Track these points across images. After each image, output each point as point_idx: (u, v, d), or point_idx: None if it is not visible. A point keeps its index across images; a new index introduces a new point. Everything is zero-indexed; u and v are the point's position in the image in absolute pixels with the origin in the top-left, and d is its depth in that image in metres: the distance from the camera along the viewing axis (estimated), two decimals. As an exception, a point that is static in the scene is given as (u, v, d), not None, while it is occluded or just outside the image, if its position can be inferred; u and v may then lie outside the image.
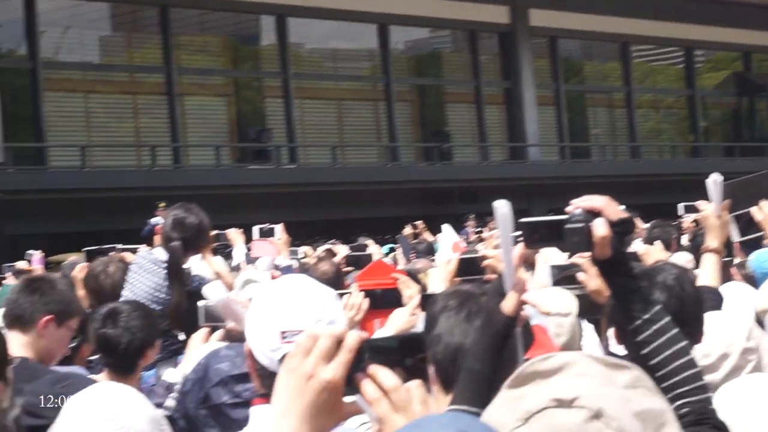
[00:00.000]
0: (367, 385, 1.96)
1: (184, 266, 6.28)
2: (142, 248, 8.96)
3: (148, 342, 4.80)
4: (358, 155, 30.09)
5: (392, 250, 14.78)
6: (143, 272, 6.26)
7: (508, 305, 2.88)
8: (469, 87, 32.72)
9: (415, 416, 1.92)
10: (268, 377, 2.73)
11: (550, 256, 6.50)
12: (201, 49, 28.17)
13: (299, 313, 2.82)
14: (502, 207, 2.84)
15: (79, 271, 7.09)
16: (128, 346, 4.73)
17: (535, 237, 2.92)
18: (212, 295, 4.87)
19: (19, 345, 4.40)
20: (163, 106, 26.60)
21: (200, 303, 5.23)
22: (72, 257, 12.12)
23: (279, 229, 8.54)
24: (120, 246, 9.24)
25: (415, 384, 1.98)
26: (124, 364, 4.72)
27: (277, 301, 2.87)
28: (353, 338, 1.99)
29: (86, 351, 5.14)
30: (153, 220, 20.84)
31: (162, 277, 6.20)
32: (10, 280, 11.71)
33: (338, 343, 1.99)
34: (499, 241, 2.93)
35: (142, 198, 22.97)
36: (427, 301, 4.38)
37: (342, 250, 10.64)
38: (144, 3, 26.72)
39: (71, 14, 25.77)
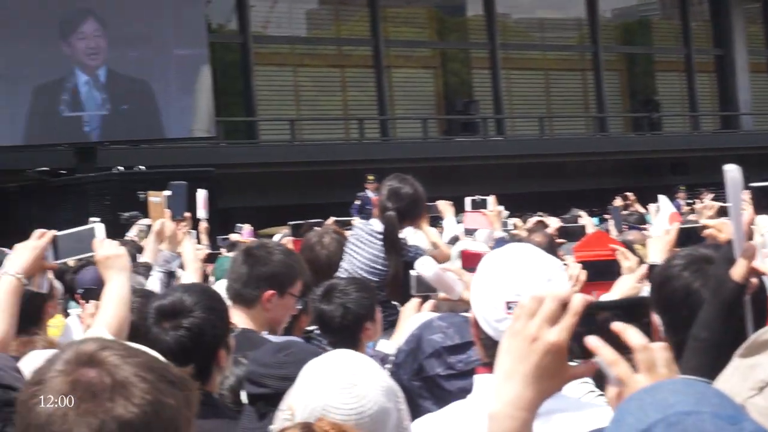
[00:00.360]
0: (605, 347, 1.92)
1: (400, 236, 6.24)
2: (356, 220, 8.99)
3: (364, 316, 4.80)
4: (565, 126, 29.75)
5: (602, 221, 14.50)
6: (360, 244, 6.26)
7: (737, 272, 2.80)
8: (679, 54, 31.92)
9: (659, 378, 1.86)
10: (492, 346, 2.67)
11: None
12: (408, 21, 28.23)
13: (525, 282, 2.76)
14: (732, 171, 2.73)
15: (287, 244, 7.15)
16: (343, 321, 4.75)
17: (765, 202, 2.81)
18: (424, 266, 4.80)
19: (242, 318, 4.49)
20: (370, 79, 26.77)
21: (412, 273, 5.18)
22: (281, 231, 12.30)
23: (491, 200, 8.45)
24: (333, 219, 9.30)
25: (661, 346, 1.93)
26: (343, 339, 4.73)
27: (503, 271, 2.82)
28: (578, 301, 1.98)
29: (304, 321, 5.16)
30: (361, 194, 21.03)
31: (379, 249, 6.19)
32: (224, 253, 11.94)
33: (563, 306, 1.98)
34: (713, 212, 2.79)
35: (350, 171, 23.18)
36: (653, 270, 4.22)
37: (553, 222, 10.47)
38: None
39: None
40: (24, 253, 3.90)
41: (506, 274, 2.80)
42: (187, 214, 6.13)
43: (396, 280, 5.98)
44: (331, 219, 9.48)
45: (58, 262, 4.11)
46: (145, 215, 9.87)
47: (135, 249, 7.75)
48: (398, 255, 6.12)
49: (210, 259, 7.95)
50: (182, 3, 19.97)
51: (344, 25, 27.43)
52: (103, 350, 1.92)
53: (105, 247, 4.02)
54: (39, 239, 3.95)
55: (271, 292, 4.56)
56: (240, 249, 5.09)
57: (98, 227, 4.11)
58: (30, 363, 3.09)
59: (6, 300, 3.76)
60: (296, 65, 26.34)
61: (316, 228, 8.06)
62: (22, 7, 18.99)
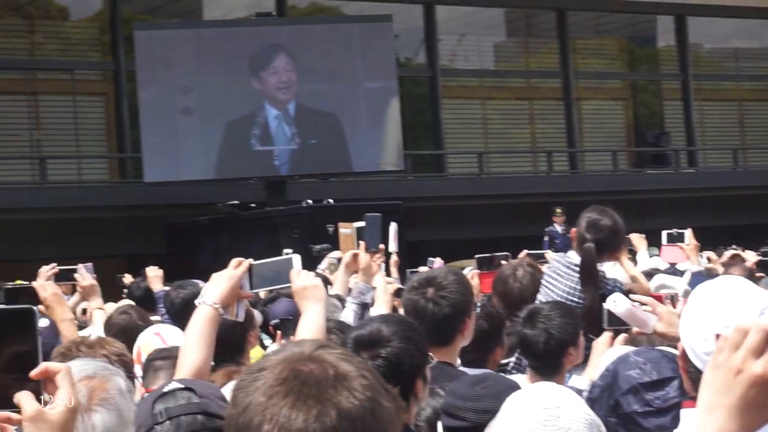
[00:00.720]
0: None
1: (598, 268, 6.08)
2: (549, 254, 8.89)
3: (568, 341, 4.72)
4: (760, 158, 28.91)
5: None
6: (557, 276, 6.15)
7: None
8: None
9: None
10: (700, 380, 2.54)
11: None
12: (597, 53, 27.94)
13: (736, 314, 2.64)
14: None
15: (471, 277, 7.07)
16: (546, 346, 4.67)
17: None
18: (616, 303, 4.65)
19: (438, 351, 4.37)
20: (559, 111, 26.55)
21: (604, 306, 5.04)
22: (469, 264, 12.19)
23: (688, 234, 8.27)
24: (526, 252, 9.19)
25: None
26: (546, 364, 4.66)
27: (714, 303, 2.72)
28: None
29: (499, 354, 5.08)
30: (549, 228, 20.82)
31: (576, 281, 6.06)
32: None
33: None
34: None
35: (538, 204, 22.98)
36: None
37: (751, 256, 10.14)
38: (540, 7, 26.77)
39: (467, 22, 26.20)
40: (221, 282, 3.91)
41: (717, 306, 2.71)
42: (381, 247, 6.10)
43: (592, 313, 5.83)
44: (524, 252, 9.36)
45: (254, 291, 4.10)
46: (335, 248, 9.90)
47: (325, 282, 7.77)
48: (595, 288, 5.96)
49: (399, 293, 7.89)
50: (372, 37, 20.14)
51: (533, 57, 27.30)
52: (321, 349, 1.97)
53: (302, 278, 4.02)
54: (236, 268, 3.95)
55: (467, 320, 4.46)
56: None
57: (295, 258, 4.11)
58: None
59: (203, 329, 3.78)
60: (484, 98, 26.32)
61: (505, 261, 7.95)
62: (216, 45, 19.45)
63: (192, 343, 3.75)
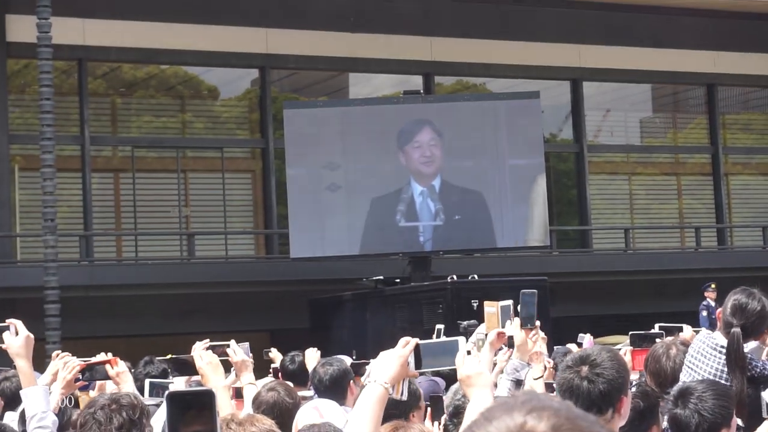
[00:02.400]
0: None
1: (746, 352, 5.91)
2: (685, 328, 8.67)
3: (720, 424, 4.57)
4: None
5: None
6: (701, 356, 5.99)
7: None
8: None
9: None
10: None
11: None
12: (746, 127, 27.49)
13: None
14: None
15: (624, 353, 6.96)
16: (698, 428, 4.55)
17: None
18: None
19: None
20: (707, 186, 26.13)
21: (763, 395, 4.87)
22: (620, 340, 11.98)
23: None
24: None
25: None
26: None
27: None
28: None
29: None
30: (705, 303, 20.43)
31: (721, 363, 5.89)
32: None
33: None
34: None
35: (685, 280, 22.58)
36: None
37: None
38: (689, 83, 26.47)
39: (614, 97, 26.05)
40: (390, 361, 3.88)
41: None
42: (538, 323, 6.05)
43: (741, 399, 5.65)
44: (657, 326, 9.13)
45: (420, 371, 4.07)
46: (481, 322, 9.83)
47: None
48: (743, 373, 5.79)
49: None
50: (518, 114, 20.13)
51: (680, 132, 26.97)
52: (533, 419, 1.82)
53: (467, 366, 3.98)
54: (404, 347, 3.93)
55: (623, 398, 4.36)
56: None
57: (461, 341, 4.06)
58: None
59: (374, 409, 3.76)
60: (630, 173, 26.07)
61: (659, 339, 7.80)
62: (363, 122, 19.67)
63: (361, 422, 3.73)
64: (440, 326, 11.22)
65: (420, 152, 19.75)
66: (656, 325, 9.18)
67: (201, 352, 5.75)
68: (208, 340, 5.91)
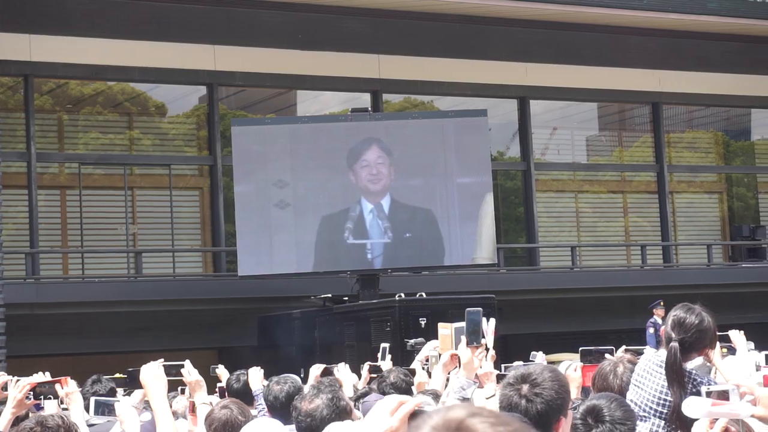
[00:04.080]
0: None
1: (685, 367, 5.99)
2: (647, 349, 8.77)
3: None
4: None
5: None
6: (646, 374, 6.06)
7: None
8: None
9: None
10: None
11: None
12: (691, 146, 27.78)
13: None
14: None
15: (574, 369, 7.01)
16: None
17: None
18: (691, 408, 4.57)
19: None
20: (653, 204, 26.37)
21: (703, 388, 4.97)
22: (565, 358, 12.07)
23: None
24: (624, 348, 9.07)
25: None
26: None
27: None
28: None
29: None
30: (652, 320, 20.60)
31: (664, 379, 5.97)
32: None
33: None
34: None
35: (631, 297, 22.77)
36: None
37: None
38: (634, 101, 26.72)
39: (561, 115, 26.25)
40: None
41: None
42: (483, 341, 6.07)
43: (680, 414, 5.73)
44: (623, 348, 9.25)
45: None
46: (428, 341, 9.87)
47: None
48: (681, 387, 5.87)
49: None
50: (466, 131, 20.20)
51: (626, 150, 27.21)
52: (473, 417, 1.88)
53: None
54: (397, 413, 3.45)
55: (562, 418, 4.40)
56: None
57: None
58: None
59: None
60: (577, 191, 26.26)
61: (608, 356, 7.87)
62: (312, 140, 19.67)
63: None
64: (385, 345, 11.24)
65: (367, 171, 19.79)
66: (623, 347, 9.27)
67: (190, 369, 5.82)
68: (162, 359, 5.90)
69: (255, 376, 9.39)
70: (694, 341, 6.03)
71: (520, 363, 10.11)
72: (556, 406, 4.31)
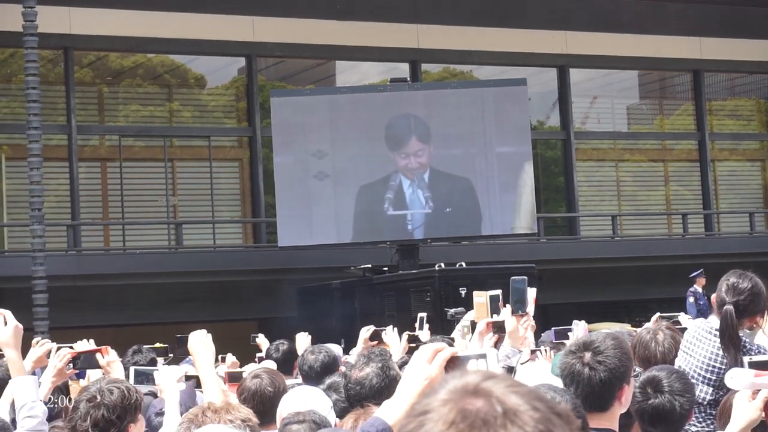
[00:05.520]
0: None
1: (740, 333, 5.94)
2: (681, 316, 8.72)
3: (688, 410, 4.67)
4: None
5: None
6: (696, 341, 6.02)
7: None
8: None
9: None
10: None
11: None
12: (733, 114, 27.54)
13: None
14: None
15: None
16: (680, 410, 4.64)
17: None
18: (734, 380, 4.52)
19: (599, 422, 4.25)
20: (694, 172, 26.19)
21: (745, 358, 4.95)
22: (608, 326, 12.02)
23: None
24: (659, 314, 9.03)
25: None
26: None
27: None
28: None
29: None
30: (692, 290, 20.48)
31: (716, 346, 5.91)
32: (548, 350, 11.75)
33: None
34: None
35: (673, 266, 22.64)
36: None
37: None
38: (675, 69, 26.52)
39: (601, 84, 26.09)
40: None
41: None
42: (528, 311, 6.02)
43: None
44: (657, 315, 9.19)
45: None
46: (469, 310, 9.85)
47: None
48: (737, 351, 5.81)
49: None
50: (505, 101, 20.11)
51: (667, 119, 27.02)
52: (487, 380, 1.87)
53: None
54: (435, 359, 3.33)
55: (625, 386, 4.34)
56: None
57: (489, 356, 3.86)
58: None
59: None
60: (617, 160, 26.11)
61: (646, 324, 7.86)
62: (351, 110, 19.64)
63: None
64: (422, 314, 11.23)
65: (406, 162, 19.74)
66: (656, 314, 9.23)
67: (195, 333, 5.82)
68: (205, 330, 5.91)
69: (303, 341, 9.47)
70: (747, 305, 5.99)
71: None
72: (619, 374, 4.27)
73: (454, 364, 2.94)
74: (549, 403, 1.87)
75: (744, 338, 5.96)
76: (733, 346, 5.84)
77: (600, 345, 4.30)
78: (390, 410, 3.08)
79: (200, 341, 5.76)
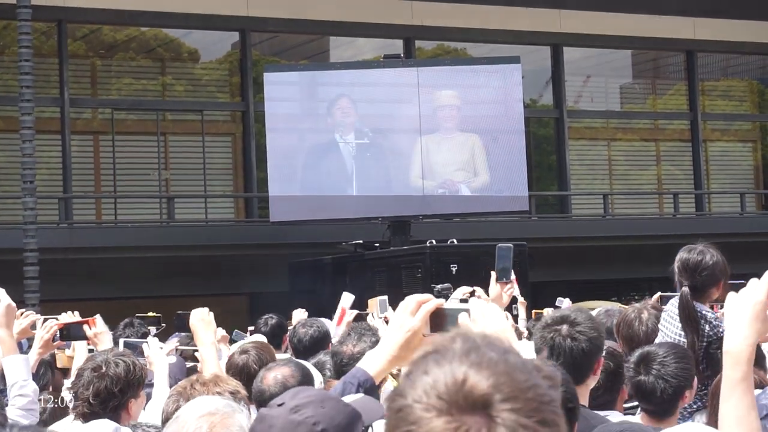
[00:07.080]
0: None
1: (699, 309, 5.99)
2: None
3: (684, 387, 4.67)
4: None
5: None
6: (669, 318, 6.09)
7: None
8: None
9: None
10: None
11: None
12: (725, 94, 27.56)
13: None
14: None
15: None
16: (663, 394, 4.65)
17: None
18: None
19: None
20: (686, 152, 26.23)
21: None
22: (597, 304, 12.07)
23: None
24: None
25: None
26: (662, 409, 4.60)
27: None
28: None
29: (624, 394, 5.02)
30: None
31: (679, 327, 5.97)
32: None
33: None
34: None
35: (663, 246, 22.65)
36: None
37: None
38: (668, 49, 26.52)
39: (594, 63, 26.09)
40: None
41: None
42: (513, 278, 6.05)
43: (695, 354, 5.71)
44: (658, 294, 9.23)
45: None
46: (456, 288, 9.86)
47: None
48: (694, 331, 5.85)
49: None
50: (498, 79, 20.06)
51: (660, 98, 27.04)
52: (480, 372, 1.73)
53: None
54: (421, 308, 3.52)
55: (600, 358, 4.39)
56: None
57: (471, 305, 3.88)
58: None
59: None
60: (610, 139, 26.13)
61: (634, 303, 7.89)
62: (345, 87, 19.62)
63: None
64: (383, 298, 11.23)
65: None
66: (657, 293, 9.25)
67: (196, 311, 5.85)
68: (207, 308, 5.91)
69: (299, 318, 9.55)
70: (705, 280, 6.03)
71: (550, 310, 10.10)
72: (599, 343, 4.33)
73: (437, 316, 2.97)
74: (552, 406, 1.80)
75: (708, 313, 5.97)
76: (690, 328, 5.88)
77: (576, 318, 4.36)
78: (372, 361, 3.11)
79: (202, 319, 5.80)
